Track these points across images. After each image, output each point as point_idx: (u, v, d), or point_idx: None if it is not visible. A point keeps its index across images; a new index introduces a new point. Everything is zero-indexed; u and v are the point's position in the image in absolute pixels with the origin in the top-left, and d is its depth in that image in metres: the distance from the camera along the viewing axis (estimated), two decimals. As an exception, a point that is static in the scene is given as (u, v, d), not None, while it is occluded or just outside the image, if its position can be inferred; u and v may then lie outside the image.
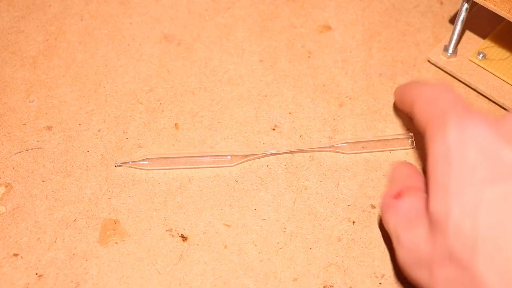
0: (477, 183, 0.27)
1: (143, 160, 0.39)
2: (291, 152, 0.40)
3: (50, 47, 0.45)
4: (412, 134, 0.40)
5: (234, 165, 0.39)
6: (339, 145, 0.40)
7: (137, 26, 0.47)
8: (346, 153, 0.40)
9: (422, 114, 0.32)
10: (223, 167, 0.39)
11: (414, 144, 0.40)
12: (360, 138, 0.40)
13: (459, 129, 0.28)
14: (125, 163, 0.39)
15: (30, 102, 0.42)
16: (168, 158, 0.39)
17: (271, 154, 0.40)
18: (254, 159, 0.40)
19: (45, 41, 0.46)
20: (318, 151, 0.40)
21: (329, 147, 0.40)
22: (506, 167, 0.27)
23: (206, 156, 0.39)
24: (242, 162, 0.39)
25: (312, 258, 0.36)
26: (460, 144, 0.28)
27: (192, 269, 0.36)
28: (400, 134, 0.41)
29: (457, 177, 0.27)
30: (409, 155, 0.40)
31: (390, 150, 0.40)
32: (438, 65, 0.44)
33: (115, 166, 0.40)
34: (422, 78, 0.44)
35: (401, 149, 0.40)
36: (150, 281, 0.35)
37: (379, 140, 0.40)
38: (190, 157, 0.39)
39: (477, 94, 0.43)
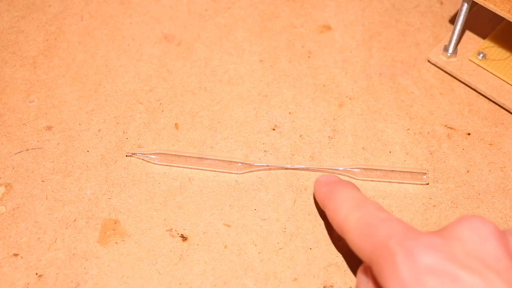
0: None
1: (154, 153, 0.39)
2: (307, 169, 0.39)
3: (50, 47, 0.45)
4: (428, 170, 0.39)
5: (242, 173, 0.39)
6: (352, 169, 0.39)
7: (137, 26, 0.47)
8: (357, 179, 0.39)
9: (359, 245, 0.30)
10: (230, 173, 0.39)
11: (428, 181, 0.39)
12: (374, 166, 0.39)
13: (410, 262, 0.26)
14: (135, 153, 0.39)
15: (30, 102, 0.42)
16: (179, 156, 0.39)
17: (286, 168, 0.39)
18: (266, 169, 0.40)
19: (45, 41, 0.46)
20: (331, 172, 0.39)
21: (342, 170, 0.39)
22: None
23: (217, 159, 0.39)
24: (251, 171, 0.39)
25: (312, 258, 0.36)
26: (416, 279, 0.26)
27: (192, 269, 0.36)
28: (415, 168, 0.39)
29: None
30: (421, 190, 0.40)
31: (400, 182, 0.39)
32: (438, 65, 0.44)
33: (126, 156, 0.40)
34: (422, 78, 0.44)
35: (414, 184, 0.39)
36: (150, 281, 0.35)
37: (392, 171, 0.39)
38: (200, 158, 0.39)
39: (477, 94, 0.43)
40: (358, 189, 0.34)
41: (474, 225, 0.28)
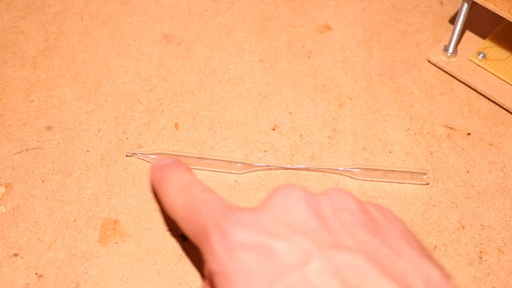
0: None
1: (154, 153, 0.39)
2: (306, 169, 0.39)
3: (50, 47, 0.45)
4: (428, 170, 0.39)
5: (242, 173, 0.39)
6: (352, 169, 0.39)
7: (137, 26, 0.47)
8: (357, 179, 0.39)
9: (186, 230, 0.30)
10: (231, 173, 0.39)
11: (428, 181, 0.39)
12: (374, 166, 0.39)
13: (222, 240, 0.27)
14: (135, 153, 0.39)
15: (30, 102, 0.42)
16: (179, 156, 0.39)
17: (286, 168, 0.39)
18: (266, 169, 0.40)
19: (45, 41, 0.46)
20: (331, 172, 0.39)
21: (342, 170, 0.39)
22: (279, 261, 0.26)
23: (217, 159, 0.39)
24: (251, 171, 0.39)
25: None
26: (230, 256, 0.26)
27: (192, 269, 0.36)
28: (415, 168, 0.39)
29: None
30: (422, 190, 0.40)
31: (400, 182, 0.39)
32: (438, 65, 0.44)
33: (126, 156, 0.40)
34: (422, 78, 0.44)
35: (414, 184, 0.39)
36: (150, 281, 0.35)
37: (392, 171, 0.39)
38: (200, 158, 0.39)
39: (477, 94, 0.43)
40: (188, 171, 0.34)
41: (284, 194, 0.28)
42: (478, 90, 0.43)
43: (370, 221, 0.28)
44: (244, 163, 0.39)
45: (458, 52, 0.44)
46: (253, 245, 0.26)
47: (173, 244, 0.37)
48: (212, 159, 0.39)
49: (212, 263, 0.27)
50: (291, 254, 0.26)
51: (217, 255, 0.27)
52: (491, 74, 0.43)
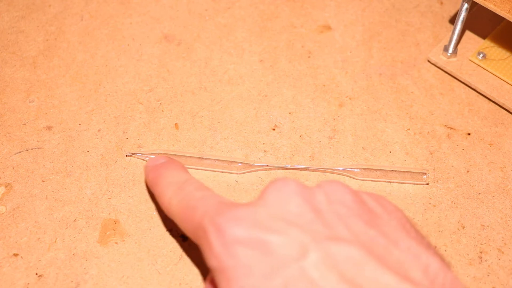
0: (258, 284, 0.25)
1: (154, 153, 0.39)
2: (306, 169, 0.39)
3: (50, 47, 0.45)
4: (428, 170, 0.39)
5: (242, 173, 0.39)
6: (352, 169, 0.39)
7: (137, 26, 0.47)
8: (357, 179, 0.39)
9: (184, 229, 0.30)
10: (231, 173, 0.39)
11: (428, 181, 0.39)
12: (374, 166, 0.39)
13: (220, 237, 0.27)
14: (135, 153, 0.40)
15: (30, 102, 0.42)
16: (179, 156, 0.39)
17: (286, 168, 0.39)
18: (266, 169, 0.40)
19: (45, 41, 0.46)
20: (331, 172, 0.39)
21: (342, 170, 0.39)
22: (276, 255, 0.26)
23: (217, 159, 0.39)
24: (251, 171, 0.39)
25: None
26: (228, 253, 0.26)
27: (192, 269, 0.36)
28: (415, 168, 0.39)
29: (238, 284, 0.26)
30: (420, 190, 0.40)
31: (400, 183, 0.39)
32: (438, 65, 0.44)
33: (126, 156, 0.40)
34: (422, 78, 0.44)
35: (414, 184, 0.39)
36: (150, 281, 0.35)
37: (392, 171, 0.39)
38: (200, 158, 0.39)
39: (477, 94, 0.43)
40: (183, 170, 0.34)
41: (278, 188, 0.28)
42: (478, 90, 0.43)
43: (366, 212, 0.28)
44: (244, 163, 0.39)
45: (458, 52, 0.44)
46: (249, 240, 0.26)
47: (173, 244, 0.37)
48: (212, 159, 0.39)
49: (211, 260, 0.27)
50: (287, 248, 0.26)
51: (215, 251, 0.27)
52: (491, 74, 0.43)
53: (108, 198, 0.38)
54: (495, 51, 0.44)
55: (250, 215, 0.27)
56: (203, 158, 0.39)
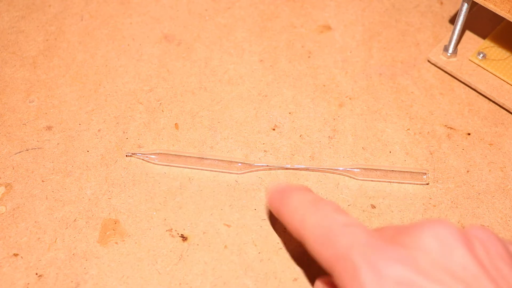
0: None
1: (154, 153, 0.39)
2: (306, 169, 0.39)
3: (50, 47, 0.45)
4: (428, 170, 0.39)
5: (242, 173, 0.39)
6: (352, 169, 0.39)
7: (137, 26, 0.47)
8: (357, 179, 0.39)
9: (319, 253, 0.29)
10: (231, 173, 0.39)
11: (428, 181, 0.39)
12: (374, 166, 0.39)
13: (375, 276, 0.25)
14: (135, 153, 0.40)
15: (30, 102, 0.42)
16: (179, 156, 0.39)
17: (286, 168, 0.39)
18: (266, 169, 0.40)
19: (45, 41, 0.46)
20: (331, 172, 0.39)
21: (342, 170, 0.39)
22: None
23: (217, 159, 0.39)
24: (251, 171, 0.39)
25: (312, 258, 0.36)
26: None
27: (192, 269, 0.36)
28: (415, 168, 0.39)
29: None
30: (421, 190, 0.40)
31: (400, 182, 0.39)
32: (438, 65, 0.44)
33: (126, 156, 0.40)
34: (422, 78, 0.44)
35: (414, 184, 0.39)
36: (150, 281, 0.35)
37: (392, 171, 0.39)
38: (200, 158, 0.39)
39: (477, 94, 0.43)
40: (312, 191, 0.33)
41: (438, 233, 0.27)
42: (478, 90, 0.43)
43: None
44: (244, 163, 0.39)
45: (458, 52, 0.44)
46: (408, 283, 0.25)
47: (173, 244, 0.37)
48: (212, 159, 0.39)
49: None
50: None
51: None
52: (491, 74, 0.43)
53: (108, 198, 0.38)
54: (495, 51, 0.44)
55: (410, 258, 0.26)
56: (203, 158, 0.39)
